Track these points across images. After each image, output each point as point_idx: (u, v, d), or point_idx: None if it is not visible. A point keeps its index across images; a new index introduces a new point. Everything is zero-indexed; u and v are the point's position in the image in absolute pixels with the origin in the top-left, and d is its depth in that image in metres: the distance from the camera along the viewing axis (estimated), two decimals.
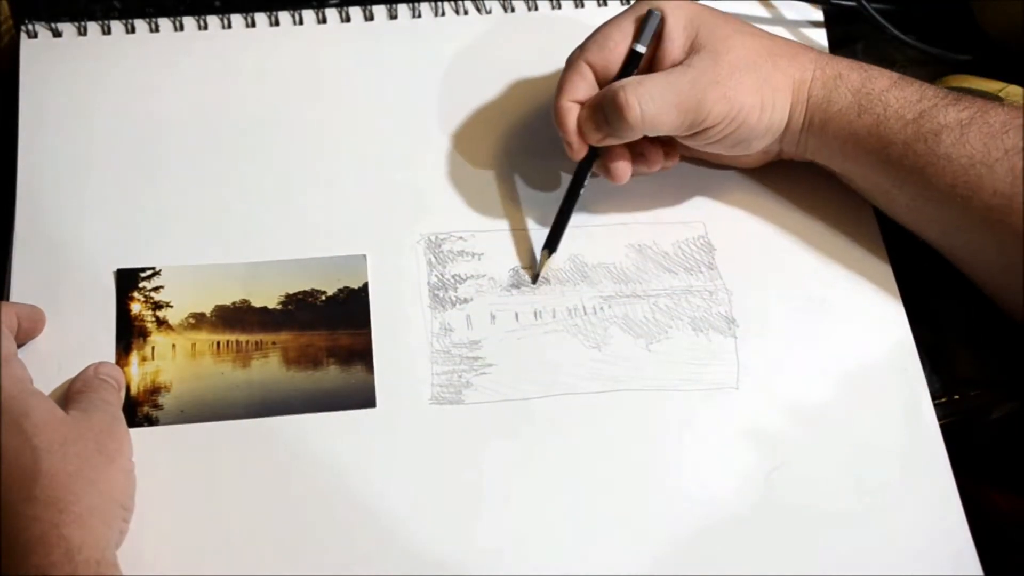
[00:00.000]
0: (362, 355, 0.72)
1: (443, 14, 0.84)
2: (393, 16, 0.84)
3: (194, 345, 0.72)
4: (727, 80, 0.71)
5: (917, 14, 0.87)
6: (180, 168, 0.77)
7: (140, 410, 0.69)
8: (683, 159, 0.78)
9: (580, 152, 0.74)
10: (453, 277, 0.75)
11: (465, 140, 0.80)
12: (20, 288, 0.72)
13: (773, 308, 0.75)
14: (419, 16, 0.84)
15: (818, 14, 0.86)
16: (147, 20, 0.82)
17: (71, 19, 0.82)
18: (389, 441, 0.69)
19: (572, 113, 0.73)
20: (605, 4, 0.85)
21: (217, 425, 0.69)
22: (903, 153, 0.71)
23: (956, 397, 0.74)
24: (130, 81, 0.80)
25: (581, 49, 0.74)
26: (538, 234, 0.76)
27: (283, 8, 0.83)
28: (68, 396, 0.67)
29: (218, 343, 0.72)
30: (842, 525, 0.68)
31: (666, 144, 0.75)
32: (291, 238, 0.75)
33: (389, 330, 0.73)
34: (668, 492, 0.69)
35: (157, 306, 0.73)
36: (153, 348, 0.72)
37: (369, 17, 0.84)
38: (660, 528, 0.68)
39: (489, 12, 0.85)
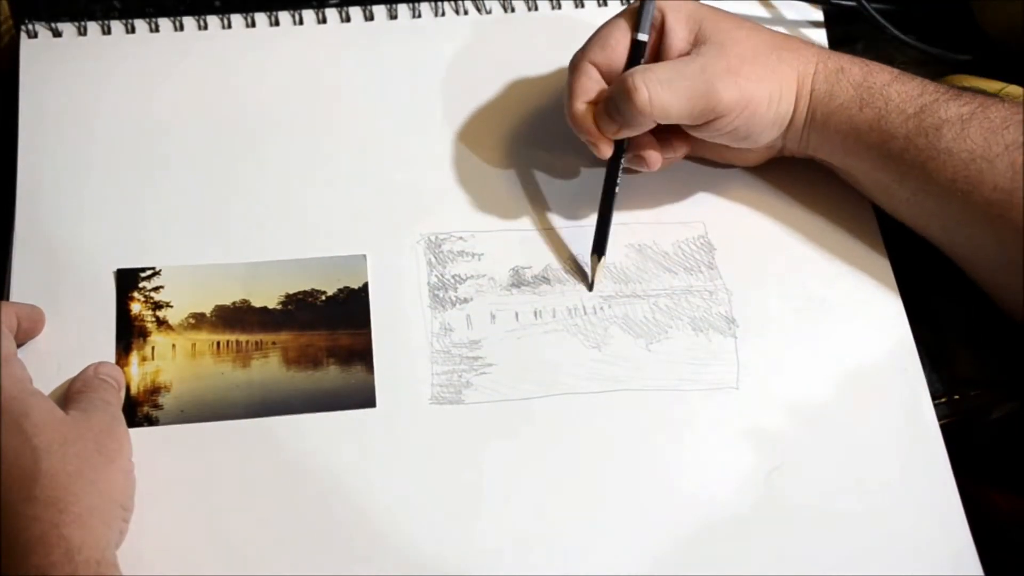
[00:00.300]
0: (362, 355, 0.72)
1: (443, 14, 0.84)
2: (393, 16, 0.84)
3: (194, 345, 0.72)
4: (738, 68, 0.71)
5: (917, 14, 0.87)
6: (180, 168, 0.77)
7: (140, 410, 0.69)
8: (686, 158, 0.78)
9: (607, 150, 0.73)
10: (453, 277, 0.75)
11: (465, 140, 0.80)
12: (20, 288, 0.72)
13: (773, 308, 0.75)
14: (419, 16, 0.84)
15: (818, 14, 0.86)
16: (147, 20, 0.82)
17: (71, 19, 0.82)
18: (389, 441, 0.69)
19: (588, 114, 0.73)
20: (605, 4, 0.85)
21: (217, 425, 0.69)
22: (904, 147, 0.71)
23: (956, 397, 0.74)
24: (130, 81, 0.80)
25: (583, 51, 0.74)
26: (539, 234, 0.76)
27: (283, 8, 0.83)
28: (68, 396, 0.67)
29: (218, 343, 0.72)
30: (842, 525, 0.68)
31: (679, 133, 0.75)
32: (291, 238, 0.75)
33: (389, 330, 0.73)
34: (668, 492, 0.69)
35: (157, 306, 0.73)
36: (153, 348, 0.72)
37: (369, 17, 0.84)
38: (660, 528, 0.68)
39: (489, 12, 0.85)
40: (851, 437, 0.71)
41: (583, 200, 0.78)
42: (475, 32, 0.84)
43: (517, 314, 0.74)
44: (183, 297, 0.73)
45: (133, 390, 0.70)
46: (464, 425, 0.70)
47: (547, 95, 0.81)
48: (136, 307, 0.72)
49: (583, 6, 0.85)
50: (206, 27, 0.83)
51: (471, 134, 0.80)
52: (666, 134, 0.75)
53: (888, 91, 0.72)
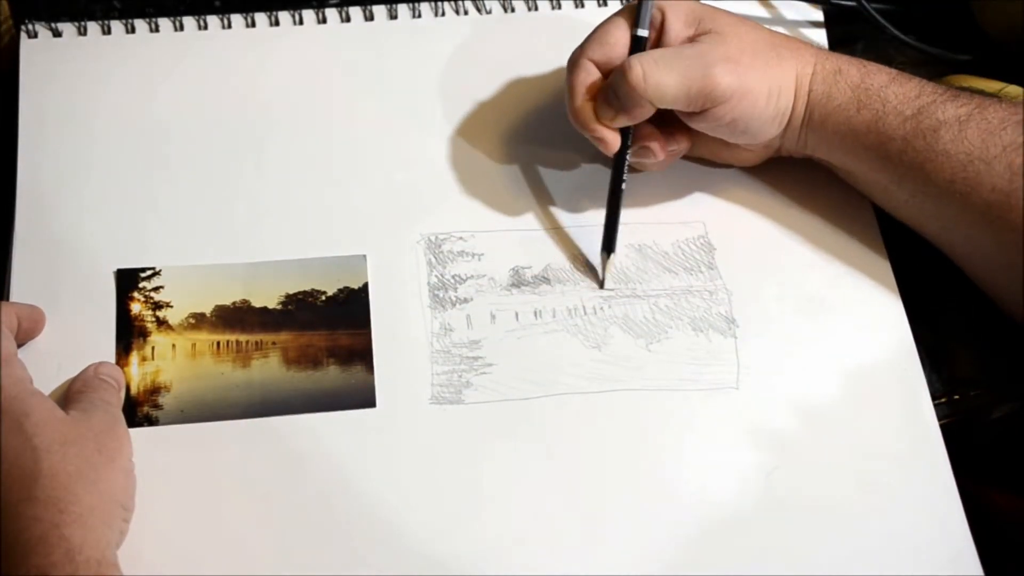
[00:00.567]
0: (362, 355, 0.72)
1: (443, 14, 0.84)
2: (393, 16, 0.84)
3: (194, 345, 0.72)
4: (737, 58, 0.71)
5: (917, 14, 0.87)
6: (180, 168, 0.77)
7: (140, 410, 0.69)
8: (686, 158, 0.78)
9: (612, 143, 0.73)
10: (453, 277, 0.75)
11: (465, 140, 0.80)
12: (20, 288, 0.72)
13: (773, 308, 0.75)
14: (419, 16, 0.84)
15: (818, 14, 0.86)
16: (147, 20, 0.82)
17: (71, 19, 0.82)
18: (389, 441, 0.69)
19: (589, 109, 0.73)
20: (605, 4, 0.85)
21: (217, 425, 0.69)
22: (902, 149, 0.71)
23: (956, 397, 0.74)
24: (130, 81, 0.80)
25: (582, 48, 0.74)
26: (539, 234, 0.76)
27: (283, 8, 0.83)
28: (68, 396, 0.67)
29: (218, 343, 0.72)
30: (842, 525, 0.68)
31: (682, 127, 0.75)
32: (291, 238, 0.75)
33: (389, 330, 0.73)
34: (668, 492, 0.69)
35: (157, 306, 0.73)
36: (153, 348, 0.72)
37: (369, 17, 0.84)
38: (660, 528, 0.68)
39: (489, 12, 0.85)
40: (851, 437, 0.71)
41: (583, 200, 0.78)
42: (475, 32, 0.84)
43: (517, 314, 0.74)
44: (183, 297, 0.73)
45: (133, 390, 0.70)
46: (464, 425, 0.70)
47: (547, 95, 0.81)
48: (136, 307, 0.72)
49: (583, 6, 0.85)
50: (206, 27, 0.83)
51: (471, 134, 0.80)
52: (668, 128, 0.75)
53: (886, 92, 0.72)
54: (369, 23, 0.84)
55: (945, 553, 0.68)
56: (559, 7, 0.85)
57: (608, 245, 0.75)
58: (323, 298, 0.74)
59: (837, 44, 0.85)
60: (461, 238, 0.76)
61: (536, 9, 0.85)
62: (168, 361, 0.71)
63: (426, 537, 0.67)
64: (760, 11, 0.86)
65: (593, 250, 0.76)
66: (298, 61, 0.82)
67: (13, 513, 0.59)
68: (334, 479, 0.68)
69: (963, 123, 0.70)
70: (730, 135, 0.73)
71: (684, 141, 0.76)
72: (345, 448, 0.69)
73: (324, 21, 0.83)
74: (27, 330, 0.70)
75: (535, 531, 0.67)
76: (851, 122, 0.72)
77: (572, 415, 0.71)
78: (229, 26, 0.83)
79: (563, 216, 0.77)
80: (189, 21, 0.83)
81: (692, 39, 0.72)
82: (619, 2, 0.86)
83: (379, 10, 0.84)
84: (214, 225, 0.75)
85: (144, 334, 0.72)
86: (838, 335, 0.74)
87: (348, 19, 0.84)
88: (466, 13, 0.85)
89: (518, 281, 0.75)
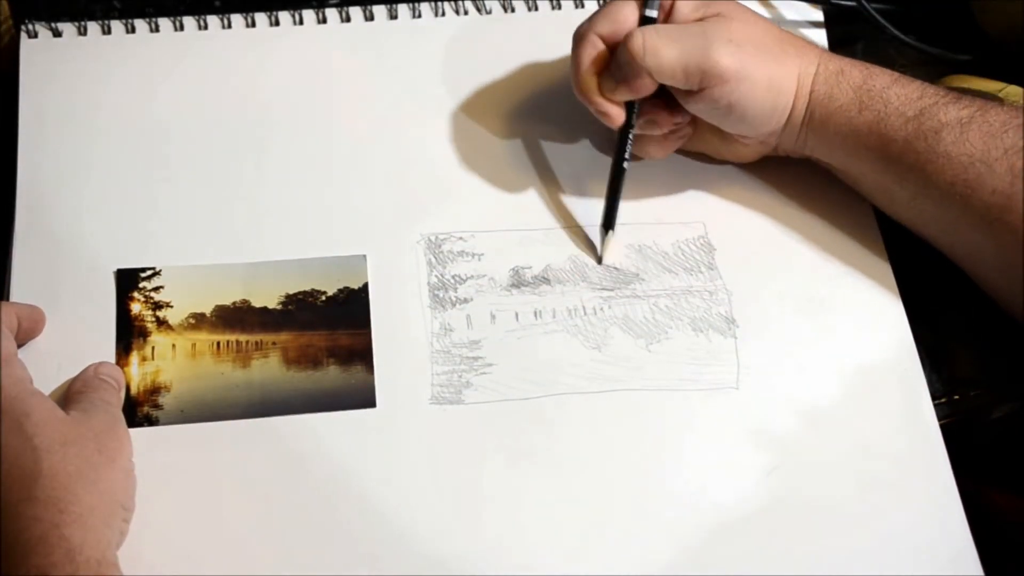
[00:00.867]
0: (362, 355, 0.72)
1: (443, 14, 0.84)
2: (393, 16, 0.84)
3: (194, 345, 0.72)
4: (739, 42, 0.71)
5: (917, 14, 0.87)
6: (180, 168, 0.77)
7: (140, 410, 0.69)
8: (683, 153, 0.78)
9: (617, 117, 0.73)
10: (453, 277, 0.75)
11: (465, 140, 0.80)
12: (20, 288, 0.72)
13: (773, 308, 0.75)
14: (419, 16, 0.84)
15: (818, 14, 0.86)
16: (147, 20, 0.82)
17: (71, 19, 0.82)
18: (389, 441, 0.69)
19: (593, 82, 0.73)
20: (604, 3, 0.85)
21: (217, 425, 0.69)
22: (903, 151, 0.71)
23: (956, 397, 0.74)
24: (130, 81, 0.80)
25: (590, 22, 0.74)
26: (539, 234, 0.76)
27: (283, 8, 0.83)
28: (68, 396, 0.67)
29: (218, 343, 0.72)
30: (842, 525, 0.68)
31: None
32: (291, 238, 0.75)
33: (389, 330, 0.73)
34: (668, 492, 0.69)
35: (157, 306, 0.73)
36: (153, 348, 0.72)
37: (369, 17, 0.84)
38: (660, 528, 0.68)
39: (489, 12, 0.85)
40: (851, 437, 0.71)
41: (584, 200, 0.78)
42: (475, 32, 0.84)
43: (517, 314, 0.74)
44: (183, 297, 0.73)
45: (133, 390, 0.70)
46: (464, 425, 0.70)
47: (547, 95, 0.81)
48: (136, 307, 0.72)
49: (583, 6, 0.85)
50: (206, 27, 0.83)
51: (471, 134, 0.80)
52: (672, 110, 0.74)
53: (887, 94, 0.72)
54: (369, 23, 0.84)
55: (945, 553, 0.68)
56: (559, 7, 0.85)
57: (608, 222, 0.75)
58: (323, 298, 0.74)
59: (837, 44, 0.85)
60: (461, 238, 0.76)
61: (536, 9, 0.85)
62: (168, 361, 0.71)
63: (426, 537, 0.67)
64: (760, 11, 0.86)
65: (594, 250, 0.76)
66: (298, 61, 0.82)
67: (13, 513, 0.59)
68: (334, 479, 0.68)
69: (965, 125, 0.70)
70: (726, 122, 0.73)
71: (687, 122, 0.75)
72: (345, 448, 0.69)
73: (324, 21, 0.83)
74: (27, 330, 0.70)
75: (535, 531, 0.67)
76: (852, 123, 0.72)
77: (572, 415, 0.71)
78: (229, 26, 0.83)
79: (563, 216, 0.77)
80: (189, 21, 0.83)
81: (699, 20, 0.73)
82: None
83: (379, 10, 0.84)
84: (214, 225, 0.75)
85: (144, 334, 0.72)
86: (838, 335, 0.74)
87: (348, 19, 0.84)
88: (466, 13, 0.85)
89: (518, 281, 0.75)
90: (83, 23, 0.82)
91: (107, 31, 0.82)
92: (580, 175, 0.79)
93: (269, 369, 0.71)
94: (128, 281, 0.73)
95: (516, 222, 0.77)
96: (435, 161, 0.79)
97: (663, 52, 0.70)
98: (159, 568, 0.65)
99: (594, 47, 0.73)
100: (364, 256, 0.75)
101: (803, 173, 0.78)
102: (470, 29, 0.84)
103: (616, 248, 0.76)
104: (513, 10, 0.85)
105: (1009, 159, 0.69)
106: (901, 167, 0.71)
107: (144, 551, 0.65)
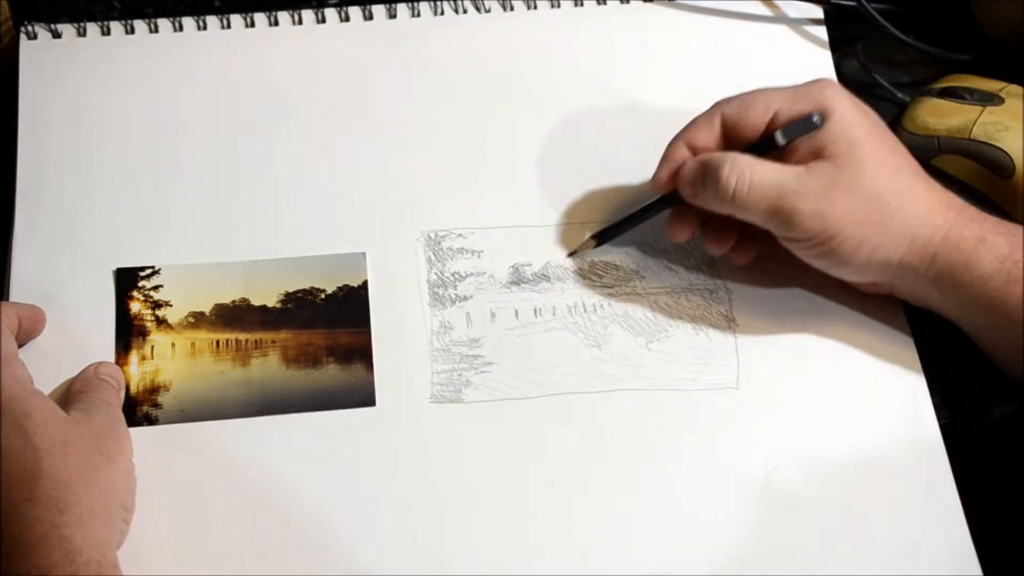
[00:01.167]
0: (362, 353, 0.72)
1: (442, 13, 0.84)
2: (392, 16, 0.84)
3: (193, 344, 0.72)
4: (834, 202, 0.67)
5: (917, 14, 0.87)
6: (180, 167, 0.77)
7: (140, 409, 0.69)
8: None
9: (660, 189, 0.72)
10: (453, 275, 0.75)
11: (464, 138, 0.80)
12: (20, 288, 0.72)
13: (773, 307, 0.75)
14: (418, 16, 0.84)
15: (818, 13, 0.86)
16: (146, 20, 0.83)
17: (71, 19, 0.82)
18: (389, 440, 0.69)
19: (678, 153, 0.72)
20: (604, 3, 0.85)
21: (217, 424, 0.69)
22: None
23: (956, 397, 0.73)
24: (129, 81, 0.80)
25: (726, 99, 0.72)
26: (539, 231, 0.76)
27: (282, 8, 0.83)
28: (68, 396, 0.67)
29: (217, 342, 0.72)
30: (841, 525, 0.68)
31: (748, 236, 0.73)
32: (290, 236, 0.75)
33: (389, 328, 0.73)
34: (667, 492, 0.69)
35: (156, 305, 0.73)
36: (153, 347, 0.72)
37: (368, 17, 0.84)
38: (659, 527, 0.67)
39: (488, 11, 0.85)
40: (850, 437, 0.71)
41: (583, 197, 0.78)
42: (475, 32, 0.84)
43: (517, 312, 0.74)
44: (182, 296, 0.73)
45: (133, 389, 0.70)
46: (464, 424, 0.70)
47: (546, 93, 0.81)
48: (136, 306, 0.72)
49: (582, 5, 0.85)
50: (205, 27, 0.83)
51: (470, 132, 0.80)
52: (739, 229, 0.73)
53: None
54: (368, 23, 0.84)
55: (945, 553, 0.68)
56: (559, 6, 0.85)
57: (601, 237, 0.75)
58: (322, 296, 0.74)
59: (837, 44, 0.85)
60: (461, 235, 0.76)
61: (535, 8, 0.85)
62: (168, 360, 0.71)
63: (426, 536, 0.67)
64: (761, 10, 0.86)
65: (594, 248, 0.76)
66: (297, 61, 0.82)
67: (14, 513, 0.59)
68: (334, 478, 0.68)
69: None
70: (815, 264, 0.71)
71: (744, 257, 0.74)
72: (345, 447, 0.69)
73: (323, 21, 0.84)
74: (27, 330, 0.70)
75: (534, 530, 0.67)
76: (998, 295, 0.68)
77: (572, 414, 0.71)
78: (228, 26, 0.83)
79: (563, 213, 0.77)
80: (188, 22, 0.83)
81: (814, 155, 0.69)
82: (618, 1, 0.85)
83: (378, 10, 0.84)
84: (213, 224, 0.75)
85: (144, 333, 0.72)
86: (838, 335, 0.74)
87: (347, 19, 0.84)
88: (465, 12, 0.85)
89: (518, 278, 0.75)
90: (82, 24, 0.82)
91: (106, 32, 0.82)
92: (580, 172, 0.79)
93: (269, 368, 0.71)
94: (127, 280, 0.73)
95: (516, 219, 0.77)
96: (434, 159, 0.79)
97: (749, 207, 0.68)
98: (159, 568, 0.65)
99: (710, 125, 0.71)
100: (363, 254, 0.75)
101: None
102: (469, 28, 0.84)
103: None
104: (512, 9, 0.85)
105: None
106: None
107: (144, 551, 0.65)
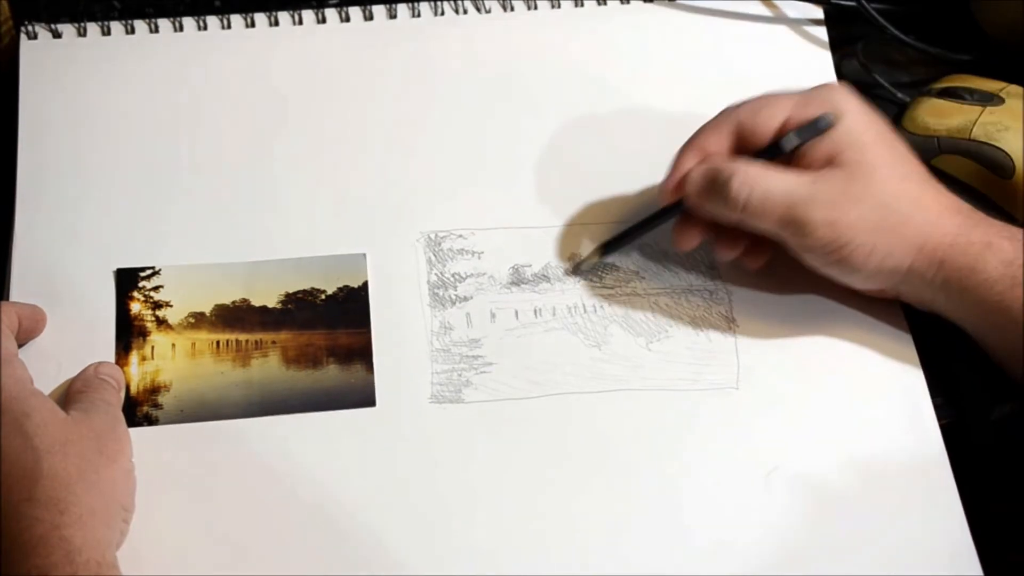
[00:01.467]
0: (362, 354, 0.72)
1: (443, 13, 0.84)
2: (393, 16, 0.84)
3: (194, 344, 0.72)
4: (845, 210, 0.67)
5: (917, 14, 0.87)
6: (179, 167, 0.77)
7: (140, 409, 0.69)
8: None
9: (667, 198, 0.72)
10: (453, 275, 0.75)
11: (464, 139, 0.80)
12: (20, 288, 0.72)
13: (773, 308, 0.75)
14: (419, 16, 0.84)
15: (818, 13, 0.86)
16: (147, 21, 0.83)
17: (71, 19, 0.82)
18: (389, 440, 0.69)
19: (688, 161, 0.71)
20: (604, 3, 0.85)
21: (217, 424, 0.69)
22: None
23: (956, 397, 0.73)
24: (129, 82, 0.80)
25: (736, 104, 0.72)
26: (539, 232, 0.76)
27: (283, 8, 0.83)
28: (68, 396, 0.67)
29: (218, 342, 0.72)
30: (841, 525, 0.68)
31: (758, 242, 0.73)
32: (291, 237, 0.75)
33: (389, 329, 0.73)
34: (667, 492, 0.69)
35: (157, 305, 0.73)
36: (153, 347, 0.72)
37: (369, 17, 0.84)
38: (659, 527, 0.67)
39: (488, 11, 0.85)
40: (850, 437, 0.71)
41: (584, 198, 0.78)
42: (475, 32, 0.84)
43: (517, 312, 0.74)
44: (183, 296, 0.73)
45: (133, 390, 0.70)
46: (464, 424, 0.70)
47: (546, 93, 0.81)
48: (136, 307, 0.72)
49: (582, 5, 0.85)
50: (205, 27, 0.83)
51: (470, 133, 0.80)
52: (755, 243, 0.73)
53: None
54: (369, 23, 0.84)
55: (945, 553, 0.68)
56: (559, 7, 0.85)
57: (607, 249, 0.75)
58: (323, 297, 0.74)
59: (837, 44, 0.85)
60: (461, 236, 0.76)
61: (536, 9, 0.85)
62: (168, 360, 0.71)
63: (426, 536, 0.67)
64: (761, 10, 0.86)
65: (587, 250, 0.76)
66: (297, 61, 0.82)
67: (14, 514, 0.59)
68: (334, 478, 0.68)
69: None
70: (824, 271, 0.71)
71: (757, 261, 0.74)
72: (345, 447, 0.69)
73: (323, 21, 0.84)
74: (28, 330, 0.70)
75: (534, 530, 0.67)
76: (1003, 299, 0.68)
77: (572, 414, 0.71)
78: (228, 26, 0.83)
79: (563, 214, 0.77)
80: (189, 22, 0.83)
81: (826, 161, 0.69)
82: (618, 1, 0.85)
83: (378, 10, 0.84)
84: (213, 224, 0.75)
85: (144, 333, 0.72)
86: (838, 335, 0.74)
87: (347, 19, 0.84)
88: (465, 12, 0.85)
89: (518, 279, 0.75)
90: (83, 24, 0.82)
91: (107, 32, 0.82)
92: (580, 173, 0.79)
93: (269, 368, 0.71)
94: (128, 280, 0.73)
95: (516, 220, 0.77)
96: (434, 159, 0.79)
97: (760, 216, 0.68)
98: (159, 568, 0.65)
99: (720, 130, 0.71)
100: (364, 255, 0.75)
101: None
102: (470, 29, 0.84)
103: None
104: (512, 9, 0.85)
105: None
106: None
107: (144, 551, 0.65)
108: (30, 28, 0.81)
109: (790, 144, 0.69)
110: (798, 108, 0.70)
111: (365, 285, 0.74)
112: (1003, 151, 0.78)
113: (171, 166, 0.77)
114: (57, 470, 0.61)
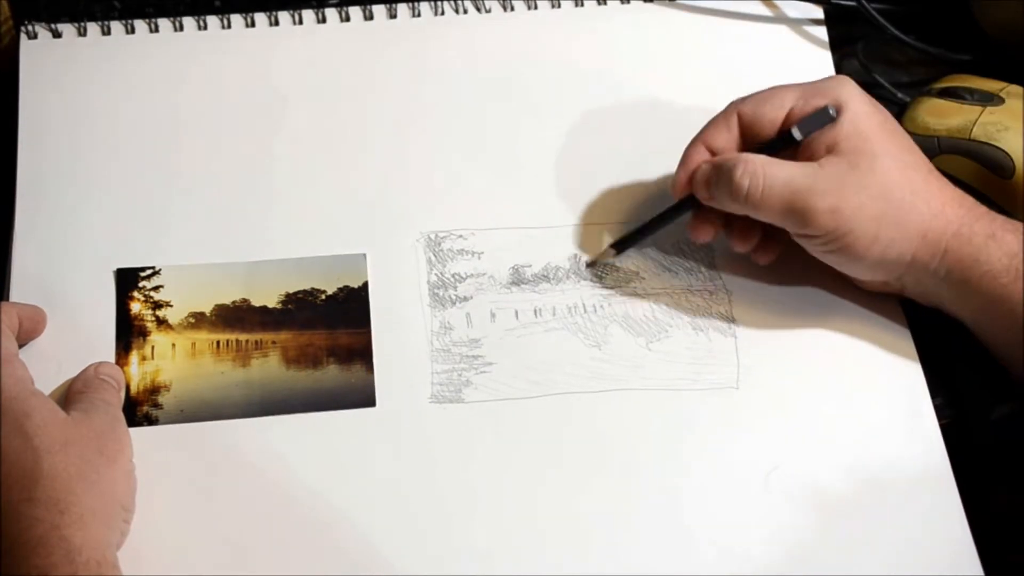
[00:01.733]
0: (362, 354, 0.72)
1: (443, 13, 0.84)
2: (393, 16, 0.84)
3: (194, 344, 0.72)
4: (848, 198, 0.68)
5: (917, 14, 0.87)
6: (180, 167, 0.77)
7: (140, 409, 0.69)
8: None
9: (678, 193, 0.72)
10: (453, 275, 0.75)
11: (464, 139, 0.80)
12: (20, 288, 0.72)
13: (773, 308, 0.75)
14: (419, 16, 0.84)
15: (818, 13, 0.86)
16: (147, 20, 0.83)
17: (71, 19, 0.82)
18: (389, 440, 0.69)
19: (696, 156, 0.72)
20: (604, 3, 0.85)
21: (217, 424, 0.69)
22: None
23: (956, 397, 0.73)
24: (129, 82, 0.80)
25: (741, 98, 0.72)
26: (539, 232, 0.76)
27: (283, 8, 0.83)
28: (68, 396, 0.67)
29: (218, 342, 0.72)
30: (841, 525, 0.68)
31: (771, 235, 0.73)
32: (291, 237, 0.75)
33: (389, 329, 0.73)
34: (667, 492, 0.69)
35: (157, 305, 0.73)
36: (153, 347, 0.72)
37: (369, 17, 0.84)
38: (658, 528, 0.67)
39: (488, 11, 0.85)
40: (850, 438, 0.71)
41: (584, 198, 0.78)
42: (475, 32, 0.84)
43: (517, 312, 0.74)
44: (183, 296, 0.73)
45: (133, 390, 0.70)
46: (464, 424, 0.70)
47: (546, 94, 0.81)
48: (136, 307, 0.72)
49: (583, 5, 0.85)
50: (206, 27, 0.83)
51: (470, 133, 0.80)
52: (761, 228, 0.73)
53: None
54: (369, 22, 0.84)
55: (945, 553, 0.68)
56: (559, 6, 0.85)
57: (620, 246, 0.75)
58: (323, 297, 0.74)
59: (837, 44, 0.85)
60: (461, 236, 0.76)
61: (536, 8, 0.85)
62: (168, 360, 0.71)
63: (426, 536, 0.67)
64: (761, 10, 0.86)
65: (593, 248, 0.76)
66: (297, 61, 0.82)
67: (14, 514, 0.59)
68: (334, 478, 0.68)
69: None
70: (827, 261, 0.71)
71: (774, 251, 0.74)
72: (345, 447, 0.69)
73: (324, 21, 0.84)
74: (28, 330, 0.70)
75: (534, 530, 0.67)
76: (1006, 291, 0.68)
77: (572, 414, 0.71)
78: (229, 26, 0.83)
79: (563, 214, 0.77)
80: (189, 21, 0.83)
81: (828, 150, 0.69)
82: (618, 1, 0.85)
83: (379, 10, 0.84)
84: (214, 224, 0.75)
85: (144, 333, 0.72)
86: (838, 335, 0.74)
87: (348, 19, 0.84)
88: (465, 12, 0.85)
89: (518, 279, 0.75)
90: (83, 24, 0.82)
91: (107, 32, 0.82)
92: (580, 173, 0.79)
93: (269, 368, 0.71)
94: (128, 280, 0.73)
95: (516, 220, 0.77)
96: (434, 159, 0.79)
97: (764, 207, 0.68)
98: (159, 568, 0.65)
99: (727, 125, 0.71)
100: (364, 255, 0.75)
101: None
102: (470, 29, 0.84)
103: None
104: (513, 9, 0.85)
105: None
106: None
107: (144, 551, 0.65)
108: (30, 28, 0.81)
109: (795, 136, 0.69)
110: (802, 100, 0.70)
111: (365, 285, 0.74)
112: (1003, 151, 0.78)
113: (171, 166, 0.77)
114: (57, 470, 0.61)
